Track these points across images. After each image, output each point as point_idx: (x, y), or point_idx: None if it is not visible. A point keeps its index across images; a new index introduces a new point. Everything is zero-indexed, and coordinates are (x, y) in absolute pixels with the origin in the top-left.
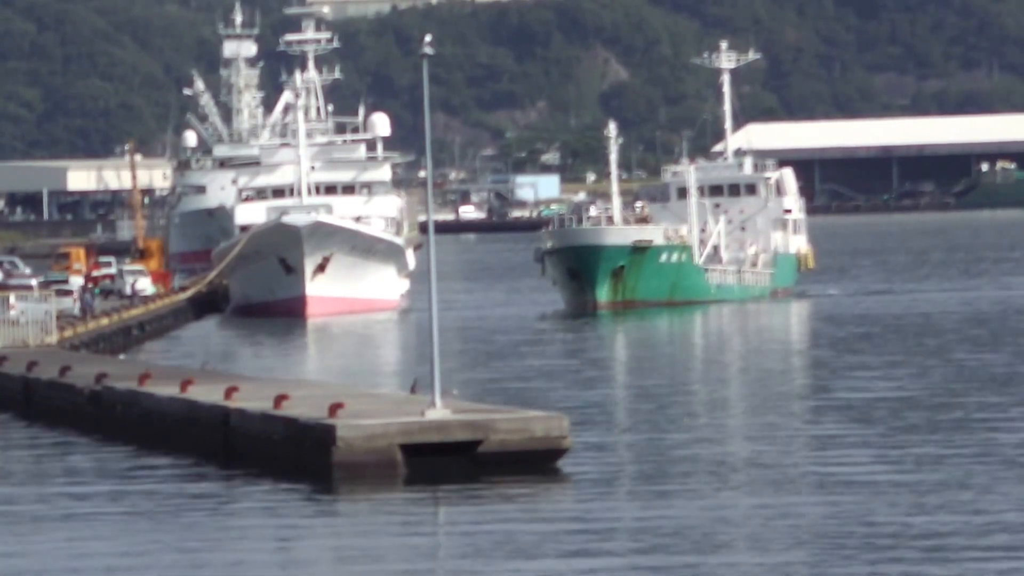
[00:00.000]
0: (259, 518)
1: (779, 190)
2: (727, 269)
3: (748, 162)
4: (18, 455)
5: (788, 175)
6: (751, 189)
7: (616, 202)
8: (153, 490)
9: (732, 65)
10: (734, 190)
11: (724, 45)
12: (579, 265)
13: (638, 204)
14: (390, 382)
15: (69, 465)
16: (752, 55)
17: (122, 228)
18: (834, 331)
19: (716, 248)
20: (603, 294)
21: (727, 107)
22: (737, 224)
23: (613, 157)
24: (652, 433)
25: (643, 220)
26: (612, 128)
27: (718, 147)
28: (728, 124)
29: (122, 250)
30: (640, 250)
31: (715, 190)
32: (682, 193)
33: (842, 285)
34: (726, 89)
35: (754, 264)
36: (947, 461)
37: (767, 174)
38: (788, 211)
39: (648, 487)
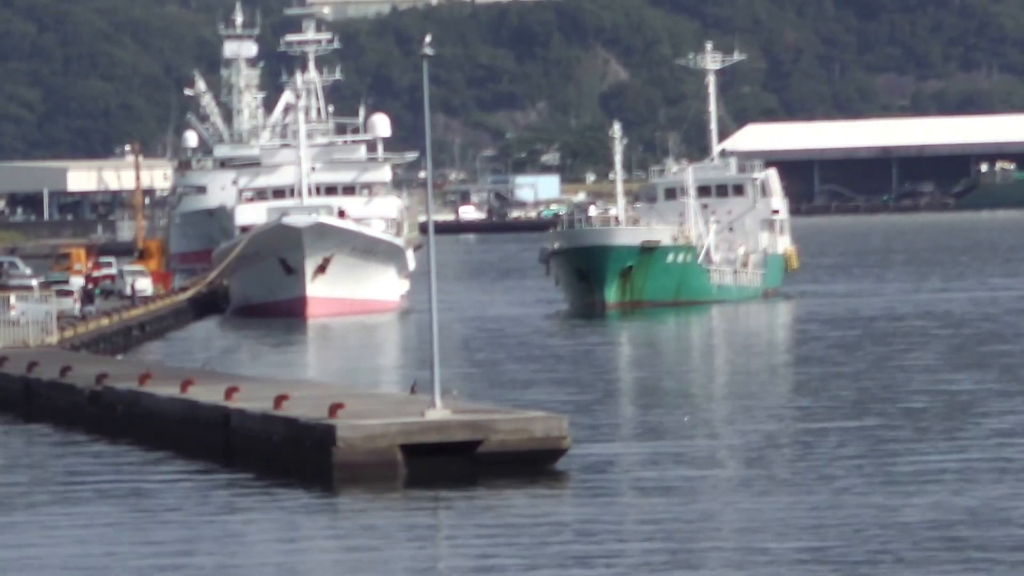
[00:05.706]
0: (259, 519)
1: (764, 191)
2: (725, 270)
3: (733, 163)
4: (18, 455)
5: (773, 176)
6: (738, 190)
7: (621, 203)
8: (153, 490)
9: (718, 66)
10: (722, 191)
11: (709, 46)
12: (588, 265)
13: (637, 205)
14: (390, 382)
15: (69, 465)
16: (737, 55)
17: (123, 229)
18: (831, 332)
19: (708, 249)
20: (611, 294)
21: (712, 108)
22: (725, 225)
23: (618, 158)
24: (652, 433)
25: (635, 221)
26: (617, 129)
27: (718, 148)
28: (714, 125)
29: (123, 251)
30: (648, 250)
31: (703, 191)
32: (669, 194)
33: (829, 286)
34: (712, 90)
35: (744, 264)
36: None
37: (754, 175)
38: (776, 212)
39: (648, 487)
